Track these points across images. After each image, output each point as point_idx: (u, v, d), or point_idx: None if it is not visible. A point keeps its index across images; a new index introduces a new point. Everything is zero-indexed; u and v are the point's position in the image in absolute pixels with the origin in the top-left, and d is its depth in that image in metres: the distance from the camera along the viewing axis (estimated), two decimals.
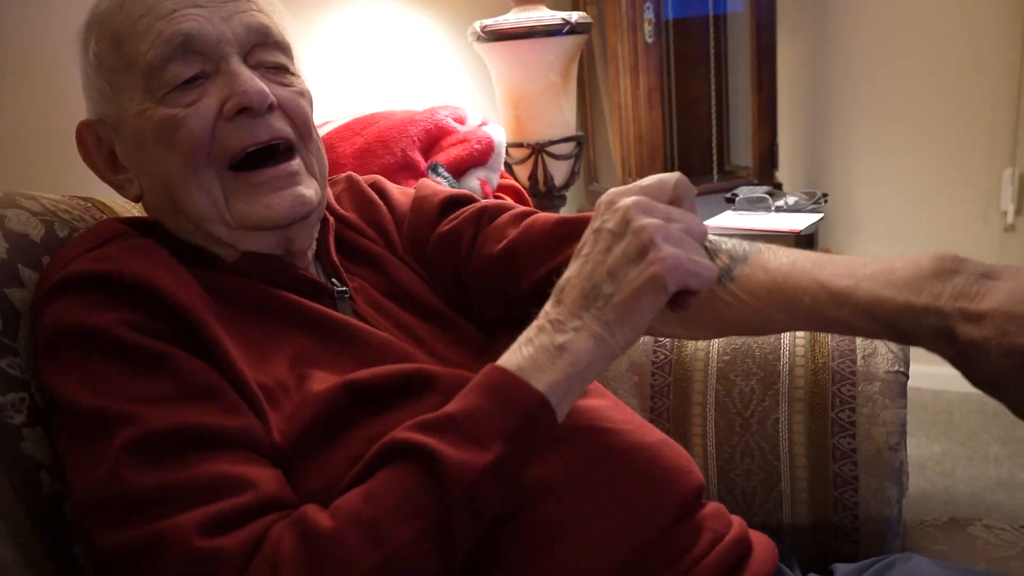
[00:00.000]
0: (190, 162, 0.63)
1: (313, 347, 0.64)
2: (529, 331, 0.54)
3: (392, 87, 1.57)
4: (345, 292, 0.70)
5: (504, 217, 0.73)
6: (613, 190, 0.54)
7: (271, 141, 0.64)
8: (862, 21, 2.05)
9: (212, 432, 0.54)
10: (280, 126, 0.65)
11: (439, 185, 0.83)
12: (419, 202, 0.77)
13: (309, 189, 0.67)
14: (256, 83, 0.63)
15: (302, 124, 0.68)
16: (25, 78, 1.10)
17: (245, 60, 0.65)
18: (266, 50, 0.67)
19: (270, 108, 0.64)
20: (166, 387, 0.55)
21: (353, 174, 0.83)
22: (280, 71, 0.68)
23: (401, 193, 0.80)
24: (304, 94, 0.69)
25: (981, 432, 1.90)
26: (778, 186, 1.94)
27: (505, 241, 0.70)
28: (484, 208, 0.75)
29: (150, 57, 0.63)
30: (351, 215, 0.78)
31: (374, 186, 0.81)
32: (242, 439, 0.55)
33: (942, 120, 1.99)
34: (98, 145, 0.70)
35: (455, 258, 0.73)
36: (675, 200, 0.54)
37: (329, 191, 0.80)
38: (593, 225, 0.54)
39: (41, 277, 0.65)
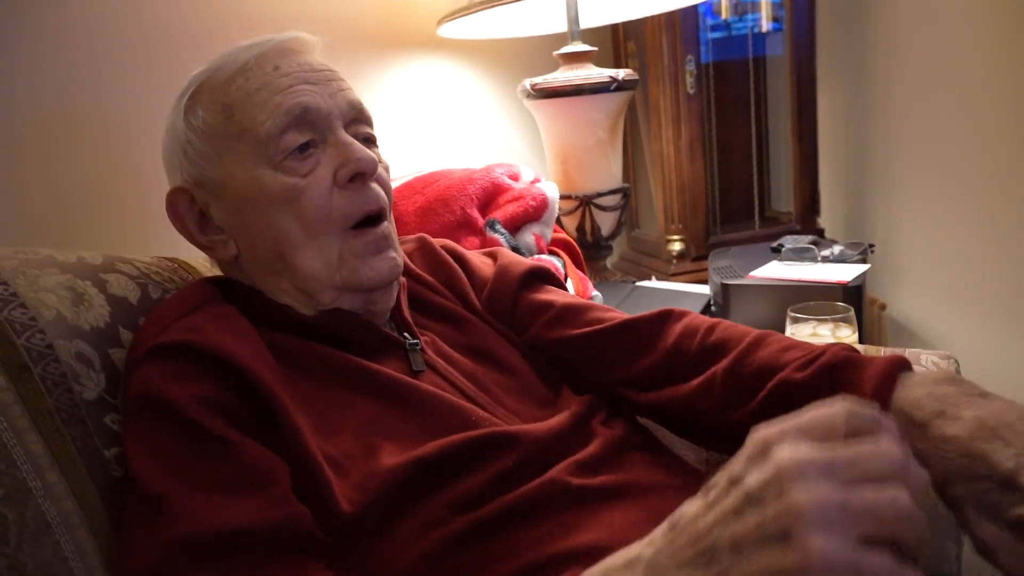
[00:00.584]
0: (312, 228, 0.70)
1: (380, 413, 0.68)
2: (621, 555, 0.44)
3: (445, 142, 1.63)
4: (416, 344, 0.74)
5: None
6: (770, 431, 0.39)
7: (380, 209, 0.72)
8: (901, 69, 2.07)
9: (259, 536, 0.56)
10: (381, 194, 0.73)
11: (514, 255, 0.90)
12: (502, 271, 0.84)
13: (398, 255, 0.74)
14: (367, 151, 0.70)
15: (389, 194, 0.75)
16: (105, 150, 1.18)
17: (346, 131, 0.72)
18: (360, 124, 0.74)
19: (375, 175, 0.72)
20: (225, 474, 0.58)
21: (426, 236, 0.89)
22: (370, 143, 0.75)
23: (480, 262, 0.87)
24: (387, 168, 0.76)
25: None
26: (820, 232, 1.95)
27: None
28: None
29: (268, 126, 0.69)
30: (424, 274, 0.83)
31: (448, 250, 0.87)
32: (288, 531, 0.57)
33: (983, 167, 1.99)
34: (189, 208, 0.75)
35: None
36: (853, 436, 0.39)
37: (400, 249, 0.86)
38: (733, 465, 0.40)
39: (135, 340, 0.70)
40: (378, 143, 0.77)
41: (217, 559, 0.54)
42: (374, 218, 0.72)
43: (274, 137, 0.69)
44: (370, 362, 0.71)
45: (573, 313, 0.82)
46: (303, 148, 0.70)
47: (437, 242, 0.89)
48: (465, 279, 0.84)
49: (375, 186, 0.72)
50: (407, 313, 0.78)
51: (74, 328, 0.68)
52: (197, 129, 0.72)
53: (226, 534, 0.55)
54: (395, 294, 0.77)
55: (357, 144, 0.71)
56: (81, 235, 1.12)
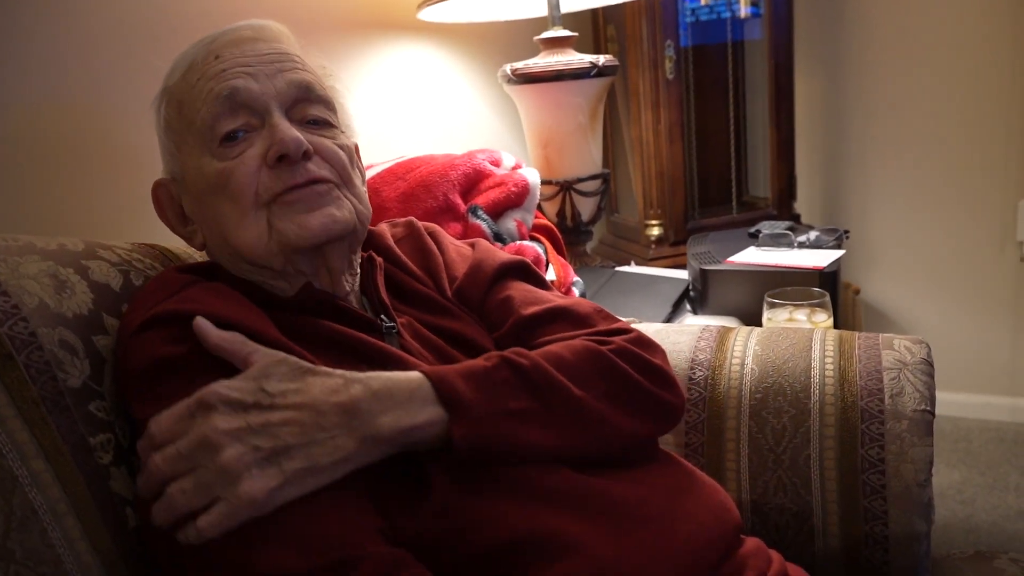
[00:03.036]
0: (239, 206, 0.70)
1: None
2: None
3: (425, 128, 1.63)
4: (392, 328, 0.75)
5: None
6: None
7: (309, 182, 0.70)
8: (877, 56, 2.10)
9: None
10: (315, 169, 0.71)
11: (494, 248, 0.89)
12: (476, 267, 0.83)
13: (342, 211, 0.72)
14: (292, 132, 0.69)
15: (340, 169, 0.73)
16: (84, 136, 1.17)
17: (288, 114, 0.72)
18: (309, 104, 0.73)
19: (306, 155, 0.70)
20: None
21: (414, 221, 0.90)
22: (322, 125, 0.74)
23: (457, 253, 0.86)
24: (344, 148, 0.74)
25: (1001, 462, 1.92)
26: (796, 217, 1.98)
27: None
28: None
29: (203, 114, 0.70)
30: (409, 261, 0.83)
31: (431, 234, 0.88)
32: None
33: (957, 153, 2.03)
34: (170, 201, 0.77)
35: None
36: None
37: (387, 231, 0.87)
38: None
39: (123, 322, 0.70)
40: (336, 124, 0.76)
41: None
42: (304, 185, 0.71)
43: (208, 124, 0.70)
44: (356, 331, 0.71)
45: (531, 326, 0.78)
46: (236, 134, 0.70)
47: (424, 226, 0.89)
48: (442, 266, 0.84)
49: (310, 164, 0.70)
50: (384, 294, 0.77)
51: (57, 315, 0.68)
52: (162, 126, 0.75)
53: None
54: (350, 257, 0.76)
55: (284, 125, 0.70)
56: (59, 221, 1.11)
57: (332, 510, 0.57)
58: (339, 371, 0.60)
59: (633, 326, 0.92)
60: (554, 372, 0.66)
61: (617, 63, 1.47)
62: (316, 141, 0.71)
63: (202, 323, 0.62)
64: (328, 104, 0.75)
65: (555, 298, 0.82)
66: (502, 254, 0.87)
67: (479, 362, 0.65)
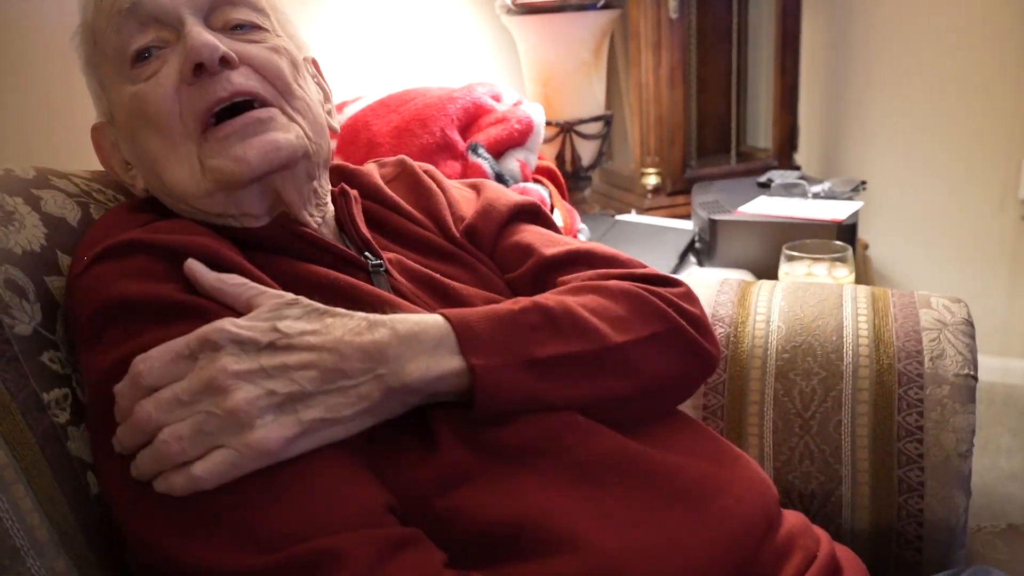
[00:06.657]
0: (165, 136, 0.61)
1: None
2: None
3: (413, 62, 1.51)
4: (380, 266, 0.67)
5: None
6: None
7: (234, 97, 0.61)
8: (883, 7, 2.02)
9: None
10: (243, 81, 0.61)
11: (502, 187, 0.81)
12: (489, 204, 0.75)
13: (288, 134, 0.62)
14: (204, 36, 0.59)
15: (275, 79, 0.63)
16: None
17: (207, 22, 0.62)
18: (230, 8, 0.64)
19: (229, 64, 0.60)
20: None
21: (406, 159, 0.81)
22: (249, 29, 0.65)
23: (460, 195, 0.78)
24: (279, 50, 0.65)
25: (992, 423, 1.90)
26: (796, 168, 1.91)
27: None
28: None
29: (111, 35, 0.61)
30: (402, 201, 0.75)
31: (430, 175, 0.79)
32: None
33: (961, 109, 1.96)
34: (111, 147, 0.68)
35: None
36: None
37: (375, 171, 0.78)
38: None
39: (74, 259, 0.61)
40: (269, 27, 0.66)
41: None
42: (239, 107, 0.61)
43: (116, 45, 0.62)
44: (341, 274, 0.63)
45: (553, 267, 0.71)
46: (148, 52, 0.61)
47: (419, 166, 0.80)
48: (445, 206, 0.75)
49: (234, 75, 0.61)
50: (364, 230, 0.69)
51: (4, 252, 0.59)
52: (83, 65, 0.67)
53: None
54: (307, 186, 0.67)
55: (196, 31, 0.60)
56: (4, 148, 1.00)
57: (337, 481, 0.49)
58: (359, 313, 0.53)
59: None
60: (590, 317, 0.59)
61: None
62: (241, 48, 0.62)
63: (194, 264, 0.55)
64: (254, 4, 0.66)
65: (572, 241, 0.74)
66: (513, 194, 0.79)
67: (506, 306, 0.58)
